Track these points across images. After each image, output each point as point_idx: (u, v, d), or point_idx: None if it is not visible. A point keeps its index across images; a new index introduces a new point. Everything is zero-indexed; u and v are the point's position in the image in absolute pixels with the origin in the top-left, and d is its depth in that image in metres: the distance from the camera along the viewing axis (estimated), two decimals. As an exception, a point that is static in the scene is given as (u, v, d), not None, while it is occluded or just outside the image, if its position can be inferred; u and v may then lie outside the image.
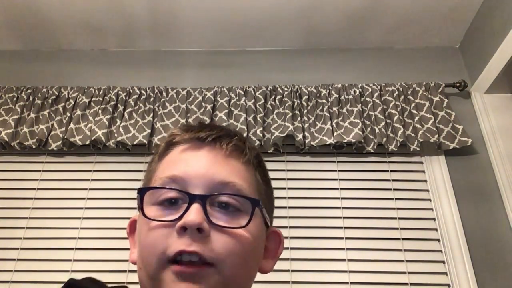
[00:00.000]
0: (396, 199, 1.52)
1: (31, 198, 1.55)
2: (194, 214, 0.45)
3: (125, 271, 1.41)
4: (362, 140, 1.54)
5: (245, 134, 1.54)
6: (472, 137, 1.57)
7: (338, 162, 1.60)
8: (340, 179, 1.56)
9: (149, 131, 1.57)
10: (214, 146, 0.53)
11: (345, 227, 1.47)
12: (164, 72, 1.86)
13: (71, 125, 1.59)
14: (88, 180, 1.59)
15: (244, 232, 0.48)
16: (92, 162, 1.62)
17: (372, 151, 1.55)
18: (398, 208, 1.50)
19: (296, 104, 1.63)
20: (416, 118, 1.58)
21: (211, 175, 0.50)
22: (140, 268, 0.50)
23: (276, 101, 1.64)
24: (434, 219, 1.48)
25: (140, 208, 0.50)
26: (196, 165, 0.51)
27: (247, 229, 0.48)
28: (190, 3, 1.70)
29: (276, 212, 1.62)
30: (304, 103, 1.63)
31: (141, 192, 0.51)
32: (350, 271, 1.39)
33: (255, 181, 0.54)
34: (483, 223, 1.46)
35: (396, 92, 1.65)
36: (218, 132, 0.54)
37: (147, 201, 0.51)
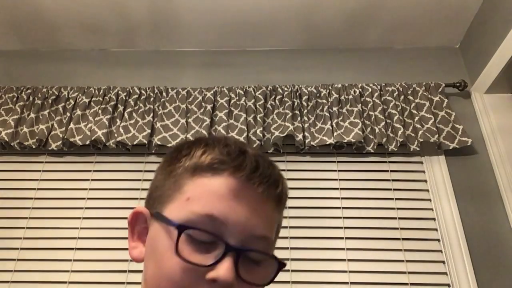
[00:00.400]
0: (396, 199, 1.52)
1: (31, 198, 1.55)
2: (227, 271, 0.45)
3: (125, 271, 1.41)
4: (362, 140, 1.54)
5: (245, 134, 1.54)
6: (472, 137, 1.57)
7: (338, 162, 1.60)
8: (340, 179, 1.56)
9: (149, 131, 1.57)
10: (262, 195, 0.51)
11: (345, 227, 1.47)
12: (164, 72, 1.86)
13: (71, 125, 1.59)
14: (88, 180, 1.59)
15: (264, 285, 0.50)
16: (92, 162, 1.62)
17: (372, 151, 1.55)
18: (398, 208, 1.50)
19: (296, 104, 1.63)
20: (416, 118, 1.58)
21: (251, 227, 0.49)
22: (151, 285, 0.50)
23: (276, 101, 1.64)
24: (434, 219, 1.48)
25: (176, 243, 0.47)
26: (240, 211, 0.48)
27: (268, 284, 0.50)
28: (190, 3, 1.70)
29: (276, 212, 1.60)
30: (304, 103, 1.63)
31: (180, 229, 0.47)
32: (350, 271, 1.39)
33: (277, 225, 0.55)
34: (483, 223, 1.46)
35: (396, 92, 1.65)
36: (269, 179, 0.51)
37: (175, 231, 0.48)
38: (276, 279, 0.52)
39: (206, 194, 0.49)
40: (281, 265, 0.50)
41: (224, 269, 0.45)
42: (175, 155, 0.55)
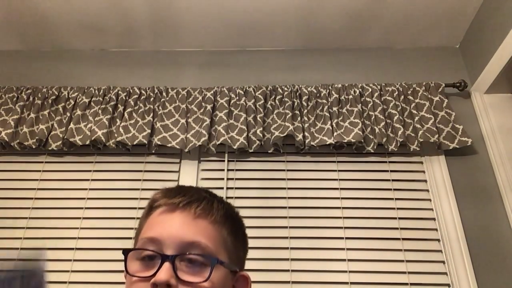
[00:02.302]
0: (396, 199, 1.52)
1: (31, 198, 1.55)
2: (163, 272, 0.56)
3: (125, 271, 1.41)
4: (362, 140, 1.54)
5: (245, 134, 1.54)
6: (472, 137, 1.57)
7: (338, 162, 1.60)
8: (340, 179, 1.56)
9: (149, 131, 1.57)
10: (185, 210, 0.63)
11: (345, 227, 1.47)
12: (164, 72, 1.86)
13: (71, 125, 1.59)
14: (88, 180, 1.59)
15: (207, 284, 0.58)
16: (92, 162, 1.62)
17: (372, 151, 1.55)
18: (398, 208, 1.50)
19: (296, 104, 1.63)
20: (416, 118, 1.58)
21: (181, 236, 0.60)
22: None
23: (276, 101, 1.64)
24: (434, 219, 1.48)
25: (125, 264, 0.61)
26: (169, 227, 0.61)
27: (210, 281, 0.59)
28: (190, 3, 1.70)
29: (276, 212, 1.62)
30: (304, 103, 1.63)
31: (125, 252, 0.61)
32: (350, 271, 1.39)
33: (220, 236, 0.64)
34: (483, 223, 1.46)
35: (396, 92, 1.65)
36: (190, 198, 0.65)
37: (132, 257, 0.61)
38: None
39: (148, 225, 0.65)
40: (214, 260, 0.60)
41: (160, 273, 0.56)
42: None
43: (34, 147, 1.59)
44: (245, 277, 0.69)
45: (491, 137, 1.60)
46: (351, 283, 1.38)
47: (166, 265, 0.57)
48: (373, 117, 1.59)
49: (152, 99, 1.67)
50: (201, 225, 0.63)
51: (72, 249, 1.45)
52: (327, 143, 1.54)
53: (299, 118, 1.58)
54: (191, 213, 0.63)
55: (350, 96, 1.64)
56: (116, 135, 1.57)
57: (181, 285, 0.56)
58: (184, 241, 0.60)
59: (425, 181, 1.56)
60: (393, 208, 1.50)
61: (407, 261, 1.41)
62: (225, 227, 0.66)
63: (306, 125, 1.58)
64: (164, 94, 1.69)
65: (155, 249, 0.59)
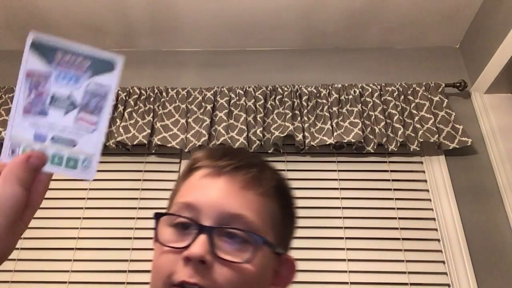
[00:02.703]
0: (396, 199, 1.52)
1: (31, 198, 1.55)
2: (198, 246, 0.47)
3: (125, 271, 1.41)
4: (362, 140, 1.54)
5: (245, 134, 1.54)
6: (472, 137, 1.57)
7: (338, 162, 1.60)
8: (340, 179, 1.56)
9: (149, 131, 1.57)
10: (232, 176, 0.54)
11: (345, 227, 1.47)
12: (164, 72, 1.86)
13: (71, 125, 1.59)
14: (88, 180, 1.59)
15: (248, 266, 0.49)
16: (92, 162, 1.62)
17: (372, 151, 1.55)
18: (398, 208, 1.50)
19: (296, 104, 1.63)
20: (416, 118, 1.58)
21: (223, 207, 0.51)
22: (151, 285, 0.52)
23: (276, 101, 1.64)
24: (434, 219, 1.48)
25: (155, 230, 0.52)
26: (210, 194, 0.52)
27: (252, 263, 0.50)
28: (190, 4, 1.70)
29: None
30: (304, 103, 1.63)
31: (157, 216, 0.53)
32: (350, 271, 1.39)
33: (269, 213, 0.55)
34: (483, 223, 1.46)
35: (396, 92, 1.65)
36: (238, 162, 0.55)
37: (164, 222, 0.53)
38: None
39: (185, 189, 0.56)
40: (260, 239, 0.51)
41: (194, 246, 0.47)
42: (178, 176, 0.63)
43: (34, 147, 1.58)
44: (291, 261, 0.60)
45: (491, 137, 1.60)
46: (351, 283, 1.38)
47: (203, 237, 0.48)
48: (373, 117, 1.59)
49: (152, 99, 1.67)
50: (248, 196, 0.53)
51: (72, 249, 1.45)
52: (327, 143, 1.54)
53: (299, 118, 1.58)
54: (237, 180, 0.53)
55: (350, 96, 1.64)
56: (116, 135, 1.57)
57: (217, 263, 0.48)
58: (226, 213, 0.51)
59: (425, 181, 1.56)
60: (393, 208, 1.50)
61: (407, 261, 1.41)
62: (275, 201, 0.56)
63: (306, 125, 1.58)
64: (164, 94, 1.69)
65: (192, 216, 0.51)
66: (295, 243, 0.64)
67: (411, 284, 1.37)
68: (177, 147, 1.55)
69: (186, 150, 1.54)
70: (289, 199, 0.60)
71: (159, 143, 1.55)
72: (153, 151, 1.60)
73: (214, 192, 0.52)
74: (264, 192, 0.55)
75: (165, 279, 0.48)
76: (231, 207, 0.51)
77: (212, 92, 1.67)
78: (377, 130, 1.56)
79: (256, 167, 0.55)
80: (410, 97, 1.64)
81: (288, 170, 1.57)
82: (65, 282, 1.40)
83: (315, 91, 1.66)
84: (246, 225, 0.51)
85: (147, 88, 1.69)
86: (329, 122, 1.58)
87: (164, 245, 0.50)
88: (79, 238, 1.47)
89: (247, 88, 1.67)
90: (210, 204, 0.51)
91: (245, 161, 0.56)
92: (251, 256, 0.49)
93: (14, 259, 1.44)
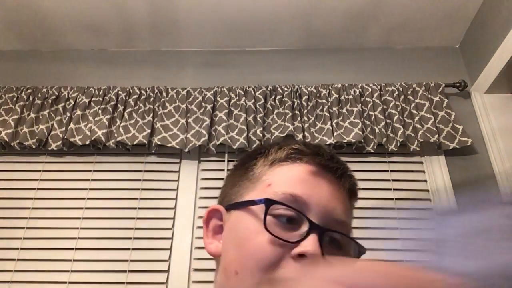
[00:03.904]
0: (396, 199, 1.52)
1: (31, 198, 1.55)
2: (315, 245, 0.46)
3: (125, 271, 1.41)
4: (362, 140, 1.54)
5: (245, 134, 1.54)
6: (472, 137, 1.57)
7: (338, 162, 1.60)
8: (340, 179, 1.56)
9: (149, 131, 1.57)
10: (338, 181, 0.53)
11: (345, 227, 1.47)
12: (164, 72, 1.86)
13: (71, 125, 1.59)
14: (88, 180, 1.59)
15: None
16: (92, 162, 1.62)
17: (372, 151, 1.55)
18: (398, 208, 1.50)
19: (296, 104, 1.63)
20: (416, 118, 1.58)
21: (331, 210, 0.50)
22: (236, 272, 0.48)
23: (276, 101, 1.64)
24: (434, 219, 1.48)
25: (264, 218, 0.48)
26: (321, 193, 0.51)
27: None
28: (190, 3, 1.70)
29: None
30: (304, 103, 1.63)
31: (268, 203, 0.48)
32: (350, 271, 1.39)
33: (351, 219, 0.56)
34: (483, 223, 1.46)
35: (396, 92, 1.65)
36: (344, 168, 0.55)
37: (262, 209, 0.48)
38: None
39: (287, 178, 0.51)
40: (362, 250, 0.51)
41: (311, 244, 0.45)
42: (249, 157, 0.57)
43: (34, 147, 1.59)
44: None
45: (491, 137, 1.60)
46: (351, 283, 1.37)
47: (314, 236, 0.46)
48: (373, 117, 1.59)
49: (152, 99, 1.67)
50: (348, 204, 0.54)
51: (72, 249, 1.45)
52: (327, 143, 1.54)
53: (299, 118, 1.58)
54: (345, 187, 0.53)
55: (350, 96, 1.64)
56: (116, 135, 1.57)
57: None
58: (332, 216, 0.50)
59: (425, 181, 1.56)
60: (393, 208, 1.50)
61: (407, 261, 1.40)
62: (353, 211, 0.57)
63: (306, 125, 1.58)
64: (164, 94, 1.69)
65: (298, 209, 0.48)
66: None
67: (411, 284, 1.37)
68: (177, 147, 1.55)
69: (186, 150, 1.54)
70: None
71: (159, 143, 1.55)
72: (153, 151, 1.60)
73: (323, 193, 0.51)
74: (355, 199, 0.56)
75: (266, 268, 0.46)
76: (337, 213, 0.51)
77: (212, 92, 1.67)
78: (377, 130, 1.56)
79: (353, 176, 0.56)
80: (410, 97, 1.64)
81: (288, 170, 1.57)
82: (65, 282, 1.40)
83: (315, 91, 1.66)
84: (347, 232, 0.51)
85: (147, 88, 1.69)
86: (329, 122, 1.58)
87: (276, 236, 0.46)
88: (79, 238, 1.47)
89: (247, 88, 1.67)
90: (319, 203, 0.49)
91: (345, 166, 0.55)
92: None
93: (14, 259, 1.44)
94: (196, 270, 1.42)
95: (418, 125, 1.56)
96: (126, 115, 1.62)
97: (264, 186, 0.52)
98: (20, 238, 1.48)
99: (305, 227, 0.47)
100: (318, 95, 1.66)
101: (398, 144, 1.54)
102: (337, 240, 0.50)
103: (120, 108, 1.64)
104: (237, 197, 0.54)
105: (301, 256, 0.45)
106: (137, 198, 1.54)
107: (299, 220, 0.48)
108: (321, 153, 0.54)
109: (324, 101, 1.63)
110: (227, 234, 0.53)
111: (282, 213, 0.48)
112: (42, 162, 1.63)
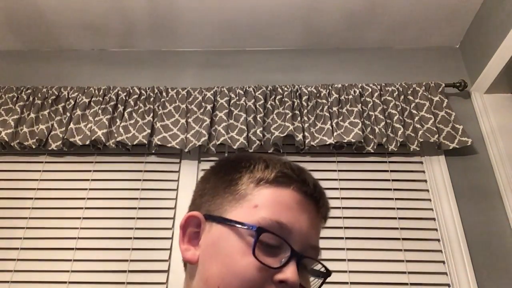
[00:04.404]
0: (396, 199, 1.52)
1: (31, 198, 1.55)
2: (295, 273, 0.50)
3: (125, 271, 1.41)
4: (362, 140, 1.54)
5: (245, 134, 1.54)
6: (472, 137, 1.57)
7: (338, 162, 1.60)
8: (340, 179, 1.56)
9: (149, 131, 1.57)
10: (318, 210, 0.57)
11: (345, 227, 1.47)
12: (164, 72, 1.86)
13: (71, 125, 1.59)
14: (88, 180, 1.59)
15: None
16: (92, 162, 1.62)
17: (372, 151, 1.55)
18: (398, 208, 1.50)
19: (296, 104, 1.63)
20: (416, 118, 1.58)
21: (309, 237, 0.54)
22: (221, 281, 0.51)
23: (276, 101, 1.64)
24: (434, 219, 1.48)
25: (254, 245, 0.50)
26: (302, 222, 0.54)
27: None
28: (190, 3, 1.70)
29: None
30: (304, 103, 1.63)
31: (259, 231, 0.51)
32: (350, 271, 1.39)
33: None
34: (483, 223, 1.46)
35: (396, 92, 1.65)
36: (324, 197, 0.59)
37: (248, 233, 0.51)
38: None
39: (274, 203, 0.54)
40: (328, 274, 0.56)
41: (291, 272, 0.50)
42: (233, 169, 0.58)
43: (34, 147, 1.59)
44: None
45: (491, 137, 1.60)
46: (351, 283, 1.38)
47: (293, 263, 0.51)
48: (373, 117, 1.59)
49: (152, 99, 1.67)
50: (320, 229, 0.58)
51: (72, 249, 1.45)
52: (327, 143, 1.54)
53: (299, 118, 1.58)
54: (322, 215, 0.58)
55: (350, 96, 1.64)
56: (116, 135, 1.57)
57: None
58: (309, 243, 0.54)
59: (425, 181, 1.56)
60: (393, 208, 1.50)
61: (407, 261, 1.41)
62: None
63: (306, 125, 1.58)
64: (164, 94, 1.69)
65: (284, 237, 0.52)
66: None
67: (411, 284, 1.37)
68: (177, 147, 1.55)
69: (186, 150, 1.54)
70: None
71: (159, 143, 1.55)
72: (153, 151, 1.61)
73: (304, 221, 0.54)
74: (324, 224, 0.61)
75: None
76: (313, 239, 0.55)
77: (212, 92, 1.67)
78: (377, 130, 1.56)
79: (329, 204, 0.60)
80: (410, 97, 1.64)
81: (288, 170, 1.57)
82: (65, 282, 1.40)
83: (315, 91, 1.66)
84: (317, 256, 0.56)
85: (147, 88, 1.70)
86: (329, 122, 1.58)
87: (262, 263, 0.49)
88: (79, 238, 1.47)
89: (247, 88, 1.67)
90: (301, 232, 0.53)
91: (325, 195, 0.60)
92: (319, 286, 0.56)
93: (14, 259, 1.44)
94: (196, 270, 1.42)
95: (418, 125, 1.56)
96: (126, 115, 1.62)
97: (250, 206, 0.54)
98: (20, 238, 1.48)
99: (286, 253, 0.51)
100: (318, 95, 1.66)
101: (398, 144, 1.54)
102: (308, 265, 0.55)
103: (120, 108, 1.64)
104: (220, 210, 0.55)
105: (282, 282, 0.49)
106: (137, 198, 1.54)
107: (281, 246, 0.52)
108: (307, 181, 0.57)
109: (324, 101, 1.63)
110: (209, 248, 0.54)
111: (268, 241, 0.51)
112: (42, 162, 1.63)
